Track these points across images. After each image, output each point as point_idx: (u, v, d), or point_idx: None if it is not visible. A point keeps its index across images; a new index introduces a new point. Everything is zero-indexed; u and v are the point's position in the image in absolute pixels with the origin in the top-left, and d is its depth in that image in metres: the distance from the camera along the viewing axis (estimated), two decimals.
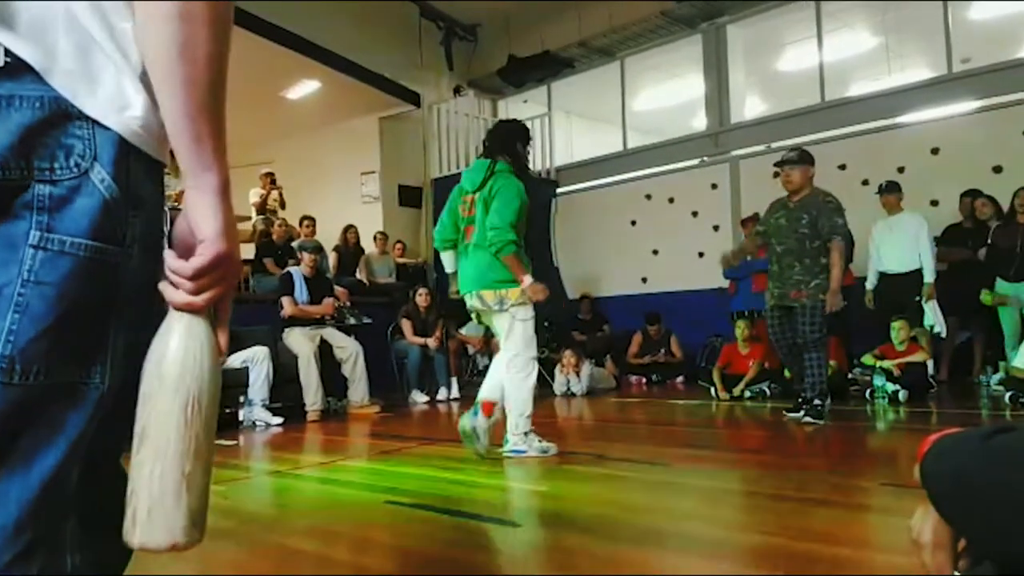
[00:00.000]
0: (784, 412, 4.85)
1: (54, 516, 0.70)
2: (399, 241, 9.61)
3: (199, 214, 0.75)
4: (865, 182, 7.22)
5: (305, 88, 9.36)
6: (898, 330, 5.74)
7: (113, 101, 0.76)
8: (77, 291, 0.70)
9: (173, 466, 0.73)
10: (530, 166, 3.87)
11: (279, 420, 5.48)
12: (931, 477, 0.84)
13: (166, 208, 0.83)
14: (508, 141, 3.74)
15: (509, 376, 3.56)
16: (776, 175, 7.14)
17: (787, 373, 5.62)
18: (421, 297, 7.13)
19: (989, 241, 6.21)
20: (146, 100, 0.78)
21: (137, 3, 0.74)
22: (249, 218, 8.92)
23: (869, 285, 6.41)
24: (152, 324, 0.76)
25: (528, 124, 10.99)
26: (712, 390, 6.33)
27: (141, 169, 0.77)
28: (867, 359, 5.81)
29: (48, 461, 0.69)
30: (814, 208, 4.57)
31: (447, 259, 3.88)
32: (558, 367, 7.10)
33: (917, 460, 0.87)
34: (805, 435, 4.27)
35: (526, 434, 3.58)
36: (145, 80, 0.76)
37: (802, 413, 4.62)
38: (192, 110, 0.74)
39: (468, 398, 7.09)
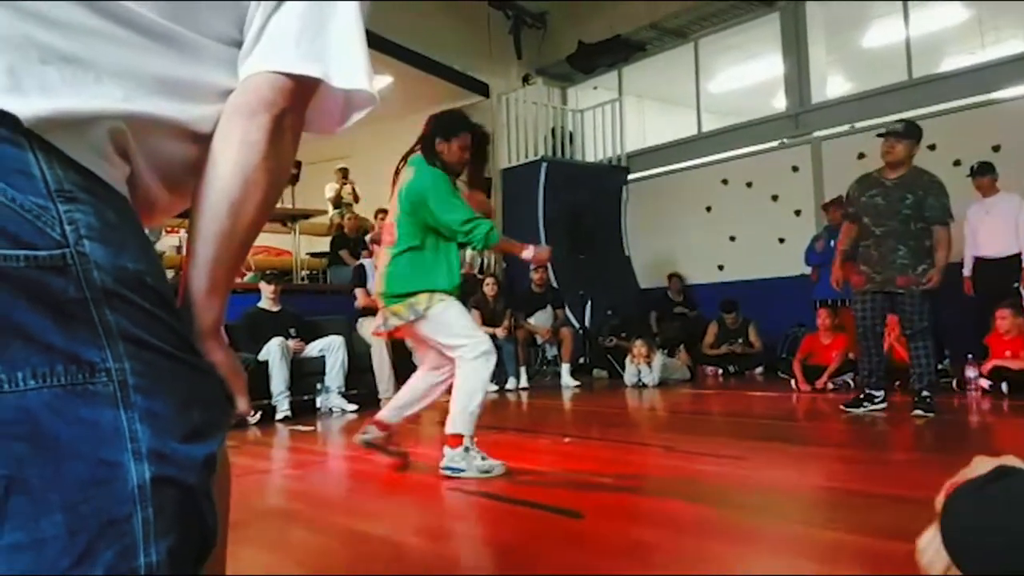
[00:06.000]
0: (842, 406, 4.65)
1: (109, 513, 0.68)
2: None
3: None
4: (957, 162, 6.81)
5: (378, 83, 9.39)
6: (1002, 319, 5.40)
7: None
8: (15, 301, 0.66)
9: None
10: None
11: (354, 407, 5.61)
12: (944, 518, 0.87)
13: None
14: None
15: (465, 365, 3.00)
16: (861, 156, 6.98)
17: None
18: (489, 287, 7.16)
19: None
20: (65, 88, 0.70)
21: (219, 134, 0.80)
22: (325, 212, 9.18)
23: (966, 272, 6.06)
24: (159, 322, 0.74)
25: (598, 110, 10.89)
26: (792, 382, 6.12)
27: (56, 160, 0.69)
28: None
29: (81, 465, 0.68)
30: (919, 188, 4.28)
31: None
32: (628, 357, 7.01)
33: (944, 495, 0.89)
34: (890, 429, 4.08)
35: (467, 449, 2.98)
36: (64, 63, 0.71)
37: (863, 409, 4.47)
38: (216, 261, 0.82)
39: (537, 388, 7.10)
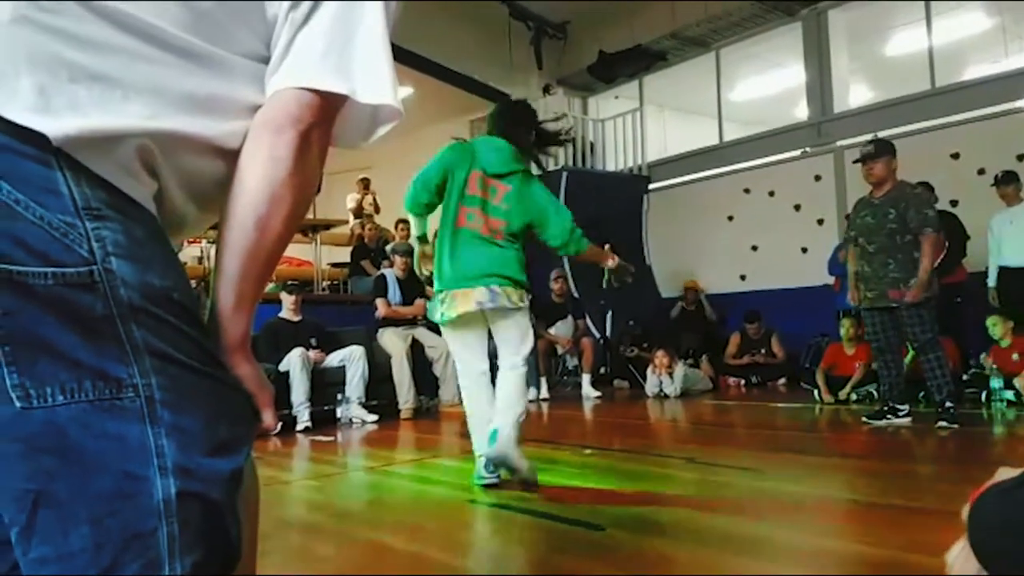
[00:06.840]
0: (864, 418, 4.62)
1: (135, 527, 0.69)
2: None
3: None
4: (981, 171, 6.74)
5: (399, 94, 9.62)
6: (993, 326, 5.35)
7: (26, 101, 0.69)
8: (37, 315, 0.67)
9: None
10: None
11: (374, 417, 5.62)
12: (972, 524, 0.86)
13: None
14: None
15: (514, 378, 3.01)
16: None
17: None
18: None
19: None
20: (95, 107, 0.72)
21: (247, 151, 0.81)
22: (346, 222, 9.26)
23: (991, 282, 5.98)
24: (186, 337, 0.74)
25: (619, 119, 10.82)
26: (816, 393, 6.05)
27: (84, 179, 0.70)
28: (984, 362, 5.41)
29: (107, 479, 0.68)
30: (902, 201, 4.35)
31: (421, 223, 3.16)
32: (649, 367, 6.97)
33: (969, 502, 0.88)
34: (914, 441, 4.03)
35: None
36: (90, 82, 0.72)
37: (885, 421, 4.44)
38: (243, 275, 0.83)
39: (557, 398, 7.08)
